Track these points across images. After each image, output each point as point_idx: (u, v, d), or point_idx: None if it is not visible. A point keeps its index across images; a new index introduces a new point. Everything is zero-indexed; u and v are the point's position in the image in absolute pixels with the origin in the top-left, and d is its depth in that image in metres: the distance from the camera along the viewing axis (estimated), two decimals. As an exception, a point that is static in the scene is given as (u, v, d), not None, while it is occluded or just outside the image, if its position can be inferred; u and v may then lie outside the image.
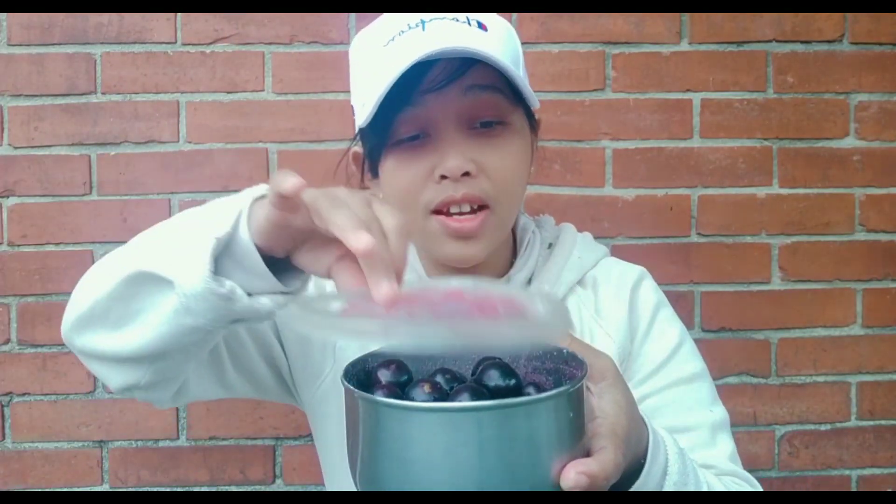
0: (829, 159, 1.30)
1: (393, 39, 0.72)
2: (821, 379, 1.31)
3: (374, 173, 0.79)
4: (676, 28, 1.28)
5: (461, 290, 0.55)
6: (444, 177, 0.72)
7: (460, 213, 0.74)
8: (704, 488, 0.64)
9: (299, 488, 1.27)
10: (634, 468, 0.57)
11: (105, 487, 1.26)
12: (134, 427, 1.26)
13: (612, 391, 0.54)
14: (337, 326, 0.48)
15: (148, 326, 0.59)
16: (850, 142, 1.30)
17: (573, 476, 0.46)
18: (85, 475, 1.26)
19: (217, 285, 0.54)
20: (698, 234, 1.29)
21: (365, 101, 0.73)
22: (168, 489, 1.26)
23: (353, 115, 0.80)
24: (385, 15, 0.77)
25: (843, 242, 1.31)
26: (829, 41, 1.29)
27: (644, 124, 1.28)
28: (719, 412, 0.80)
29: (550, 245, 0.86)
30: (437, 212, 0.75)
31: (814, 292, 1.30)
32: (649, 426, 0.59)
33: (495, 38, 0.73)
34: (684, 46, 1.28)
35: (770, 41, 1.29)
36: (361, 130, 0.78)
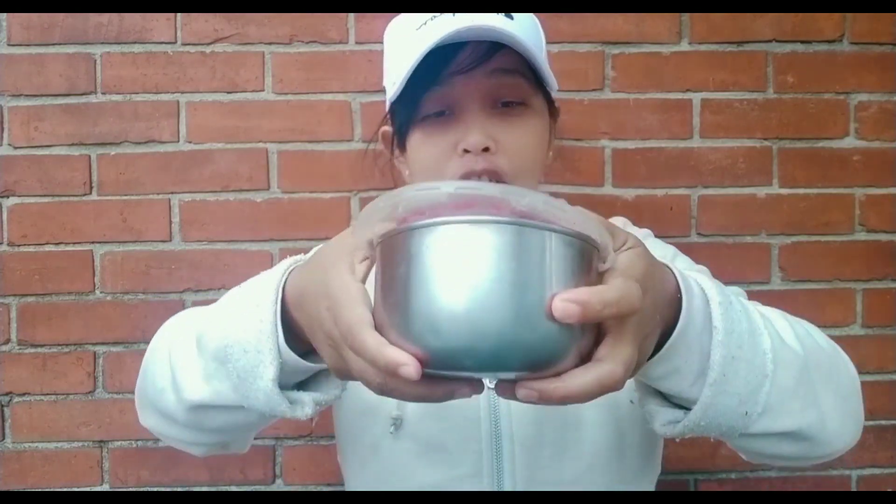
0: (829, 159, 1.30)
1: (425, 24, 0.77)
2: (821, 379, 1.31)
3: (402, 147, 0.84)
4: (676, 28, 1.28)
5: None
6: (466, 151, 0.77)
7: None
8: (751, 309, 0.63)
9: (299, 488, 1.27)
10: (674, 309, 0.56)
11: (105, 487, 1.26)
12: (134, 427, 1.24)
13: (630, 250, 0.53)
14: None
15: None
16: (850, 142, 1.30)
17: (559, 305, 0.45)
18: (85, 475, 1.26)
19: (287, 408, 0.60)
20: (698, 234, 1.29)
21: (395, 79, 0.78)
22: (168, 489, 1.26)
23: (385, 95, 0.84)
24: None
25: (843, 242, 1.30)
26: (829, 41, 1.29)
27: (644, 124, 1.28)
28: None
29: None
30: None
31: (814, 292, 1.30)
32: (672, 267, 0.58)
33: (520, 24, 0.78)
34: (684, 46, 1.28)
35: (770, 41, 1.29)
36: (392, 108, 0.84)
